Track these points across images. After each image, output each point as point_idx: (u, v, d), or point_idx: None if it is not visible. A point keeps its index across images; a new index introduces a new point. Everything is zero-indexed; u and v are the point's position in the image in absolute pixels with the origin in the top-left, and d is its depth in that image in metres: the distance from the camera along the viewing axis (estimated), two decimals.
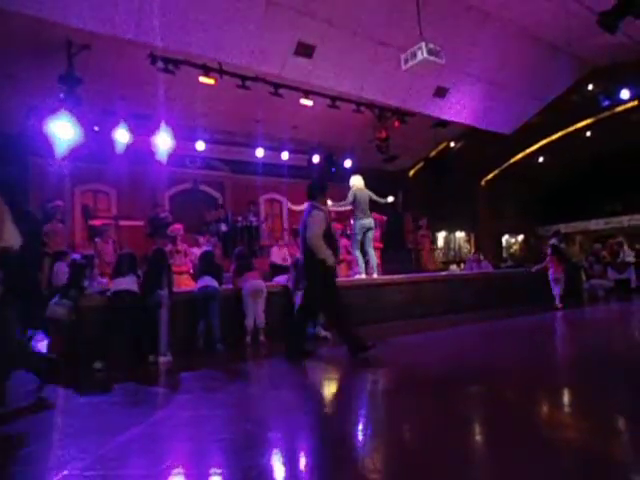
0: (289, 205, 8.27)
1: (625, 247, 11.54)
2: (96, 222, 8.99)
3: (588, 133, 14.76)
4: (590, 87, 11.24)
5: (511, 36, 9.65)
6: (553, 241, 9.17)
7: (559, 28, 9.02)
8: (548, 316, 7.68)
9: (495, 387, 3.52)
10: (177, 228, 7.39)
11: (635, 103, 11.50)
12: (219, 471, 2.25)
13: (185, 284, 6.65)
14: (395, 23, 8.45)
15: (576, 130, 14.84)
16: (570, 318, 7.53)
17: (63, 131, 8.35)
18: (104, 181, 11.11)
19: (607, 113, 13.29)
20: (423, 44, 6.51)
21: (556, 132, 15.19)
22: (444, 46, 7.22)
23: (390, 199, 8.32)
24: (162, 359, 4.82)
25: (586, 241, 17.84)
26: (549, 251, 8.89)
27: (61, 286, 5.12)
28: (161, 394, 3.82)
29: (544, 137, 15.48)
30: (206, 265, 5.92)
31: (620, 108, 12.70)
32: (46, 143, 8.84)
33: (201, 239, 9.42)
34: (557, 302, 8.42)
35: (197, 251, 8.55)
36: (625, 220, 17.77)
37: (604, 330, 6.44)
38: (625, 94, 11.10)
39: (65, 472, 2.19)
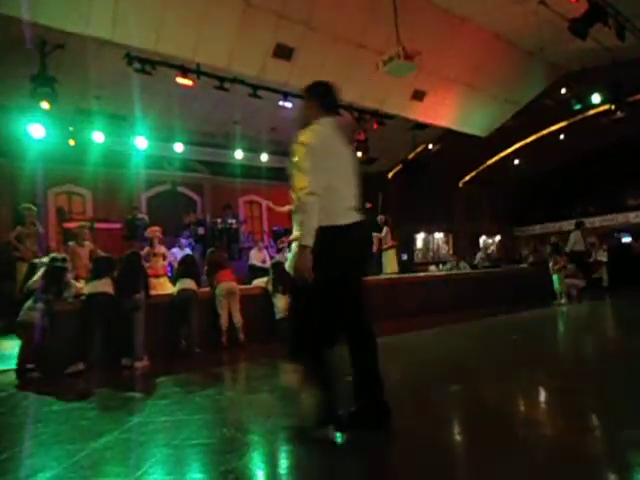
0: (271, 205, 8.24)
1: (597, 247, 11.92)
2: (71, 225, 8.82)
3: (561, 136, 15.13)
4: (563, 91, 11.52)
5: (486, 41, 9.85)
6: (554, 240, 9.49)
7: (532, 34, 9.25)
8: (538, 313, 7.85)
9: (473, 386, 3.58)
10: (154, 230, 7.29)
11: (606, 107, 11.82)
12: (196, 476, 2.24)
13: (163, 287, 6.57)
14: (373, 26, 8.53)
15: (550, 133, 15.21)
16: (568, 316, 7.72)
17: (36, 132, 8.18)
18: (79, 183, 10.91)
19: (579, 117, 13.66)
20: (400, 48, 6.59)
21: (530, 135, 15.54)
22: (421, 50, 7.34)
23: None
24: (138, 363, 4.75)
25: (559, 241, 18.23)
26: (549, 250, 9.22)
27: (34, 290, 5.00)
28: (137, 399, 3.76)
29: (519, 140, 15.82)
30: (185, 268, 5.88)
31: (591, 112, 13.05)
32: (18, 144, 8.65)
33: (183, 241, 9.32)
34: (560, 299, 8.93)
35: (177, 252, 8.47)
36: (597, 221, 18.25)
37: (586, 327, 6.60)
38: (596, 98, 11.42)
39: None
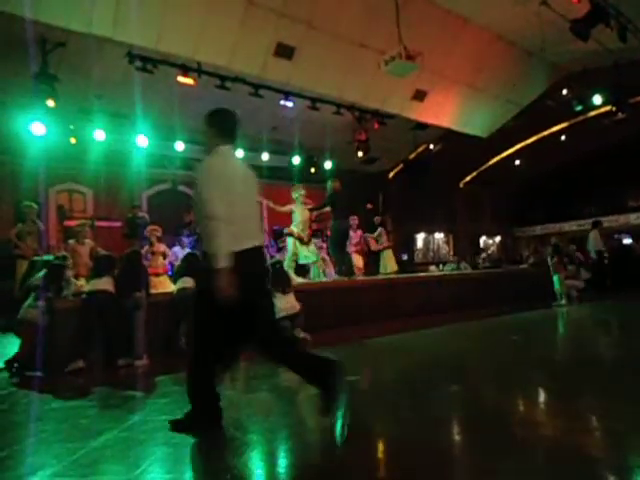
0: (271, 205, 8.25)
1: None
2: (71, 223, 8.82)
3: (562, 137, 15.12)
4: (564, 92, 11.51)
5: (488, 41, 9.84)
6: (554, 241, 9.50)
7: (534, 34, 9.23)
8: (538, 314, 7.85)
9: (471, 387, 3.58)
10: (152, 229, 7.30)
11: (607, 108, 11.81)
12: (195, 475, 2.25)
13: (163, 286, 6.58)
14: (375, 26, 8.53)
15: (551, 134, 15.19)
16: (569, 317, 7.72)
17: (37, 129, 8.19)
18: (80, 181, 10.92)
19: (580, 118, 13.64)
20: (401, 48, 6.59)
21: (531, 136, 15.52)
22: (423, 50, 7.33)
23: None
24: (138, 362, 4.76)
25: (561, 242, 18.23)
26: (550, 250, 9.23)
27: (36, 287, 5.01)
28: (137, 398, 3.77)
29: (520, 141, 15.80)
30: (187, 266, 5.88)
31: (593, 113, 13.04)
32: (20, 141, 8.65)
33: (184, 240, 9.32)
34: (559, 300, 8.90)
35: (179, 251, 8.47)
36: None
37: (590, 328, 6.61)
38: (597, 99, 11.42)
39: (36, 479, 2.16)
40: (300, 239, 7.82)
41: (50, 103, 7.66)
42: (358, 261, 9.55)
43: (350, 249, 8.99)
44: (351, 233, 8.36)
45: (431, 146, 14.49)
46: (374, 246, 10.56)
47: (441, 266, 13.51)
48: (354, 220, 9.23)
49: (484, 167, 17.34)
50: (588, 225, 18.51)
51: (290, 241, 7.98)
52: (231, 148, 2.79)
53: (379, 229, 10.72)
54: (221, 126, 2.81)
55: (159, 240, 7.32)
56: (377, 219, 11.08)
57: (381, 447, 2.54)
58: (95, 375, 4.47)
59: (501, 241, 20.55)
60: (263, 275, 2.84)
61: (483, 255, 14.86)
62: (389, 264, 10.34)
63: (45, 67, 7.65)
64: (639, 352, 4.65)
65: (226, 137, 2.78)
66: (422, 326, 6.82)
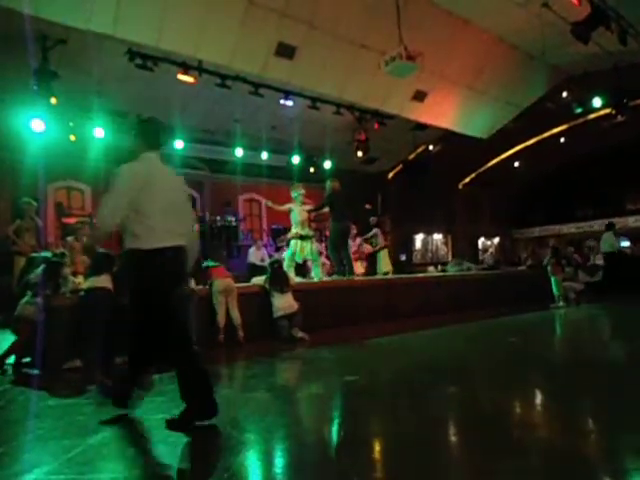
0: (269, 205, 8.24)
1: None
2: (70, 220, 8.81)
3: (562, 139, 15.14)
4: (564, 94, 11.52)
5: (488, 43, 9.85)
6: (552, 243, 9.51)
7: (534, 37, 9.24)
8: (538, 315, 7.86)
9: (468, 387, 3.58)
10: None
11: (607, 111, 11.82)
12: (191, 473, 2.24)
13: None
14: (376, 26, 8.52)
15: (550, 136, 15.21)
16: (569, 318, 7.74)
17: (37, 126, 8.17)
18: (79, 178, 10.90)
19: (580, 120, 13.66)
20: (402, 48, 6.59)
21: (531, 138, 15.53)
22: (423, 50, 7.33)
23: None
24: None
25: (559, 244, 18.28)
26: (550, 253, 9.24)
27: (33, 284, 5.00)
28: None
29: (519, 142, 15.81)
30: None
31: (592, 115, 13.07)
32: (19, 138, 8.63)
33: None
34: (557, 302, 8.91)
35: None
36: (596, 224, 18.27)
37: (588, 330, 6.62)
38: (597, 102, 11.43)
39: (32, 476, 2.15)
40: (301, 236, 7.79)
41: (53, 101, 7.68)
42: (358, 269, 9.58)
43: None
44: (350, 242, 8.36)
45: (430, 147, 14.50)
46: (369, 249, 10.62)
47: (447, 266, 13.32)
48: (352, 229, 9.21)
49: (483, 168, 17.35)
50: (587, 227, 18.70)
51: (292, 242, 7.95)
52: (156, 155, 2.98)
53: (374, 230, 10.76)
54: (145, 136, 3.02)
55: None
56: (373, 220, 11.13)
57: (379, 447, 2.54)
58: (92, 372, 4.46)
59: (500, 243, 20.57)
60: (176, 274, 2.89)
61: (488, 255, 14.87)
62: (384, 264, 10.41)
63: (45, 64, 7.64)
64: (636, 354, 4.66)
65: (150, 145, 2.99)
66: (420, 327, 6.82)
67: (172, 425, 2.66)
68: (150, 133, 3.03)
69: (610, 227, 11.26)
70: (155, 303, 2.76)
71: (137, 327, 2.91)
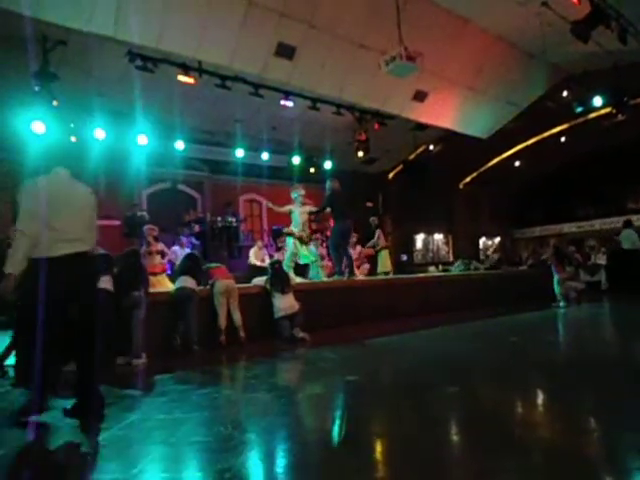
0: (270, 205, 8.25)
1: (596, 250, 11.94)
2: None
3: (562, 139, 15.12)
4: (564, 94, 11.51)
5: (488, 42, 9.84)
6: (554, 243, 9.50)
7: (534, 36, 9.24)
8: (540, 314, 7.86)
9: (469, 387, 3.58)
10: (150, 229, 7.31)
11: (607, 110, 11.81)
12: (193, 474, 2.24)
13: (161, 285, 6.57)
14: (375, 27, 8.52)
15: (551, 136, 15.19)
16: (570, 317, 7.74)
17: (37, 127, 8.17)
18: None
19: (580, 119, 13.64)
20: (402, 48, 6.59)
21: (531, 137, 15.52)
22: (423, 50, 7.33)
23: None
24: (136, 361, 4.75)
25: (560, 243, 18.25)
26: (552, 252, 9.21)
27: None
28: (134, 396, 3.77)
29: (520, 142, 15.80)
30: (189, 264, 5.88)
31: (593, 115, 13.05)
32: (19, 139, 8.62)
33: (184, 239, 9.32)
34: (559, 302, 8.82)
35: (178, 250, 8.47)
36: (597, 223, 18.25)
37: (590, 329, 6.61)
38: (598, 101, 11.41)
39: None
40: (300, 239, 7.82)
41: (54, 103, 7.70)
42: (361, 272, 9.57)
43: None
44: (350, 250, 8.34)
45: (431, 147, 14.50)
46: (371, 252, 10.63)
47: (454, 265, 13.18)
48: (353, 237, 9.18)
49: (484, 168, 17.34)
50: (588, 227, 18.68)
51: (290, 241, 7.98)
52: (62, 171, 3.31)
53: (377, 232, 10.73)
54: (50, 156, 3.40)
55: (156, 239, 7.31)
56: (373, 220, 11.09)
57: (380, 447, 2.53)
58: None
59: (500, 242, 20.55)
60: (76, 279, 2.95)
61: (492, 254, 14.86)
62: (384, 263, 10.42)
63: (46, 65, 7.64)
64: (636, 352, 4.66)
65: (57, 163, 3.31)
66: (422, 327, 6.82)
67: (67, 413, 2.89)
68: (53, 154, 3.43)
69: (628, 224, 11.21)
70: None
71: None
